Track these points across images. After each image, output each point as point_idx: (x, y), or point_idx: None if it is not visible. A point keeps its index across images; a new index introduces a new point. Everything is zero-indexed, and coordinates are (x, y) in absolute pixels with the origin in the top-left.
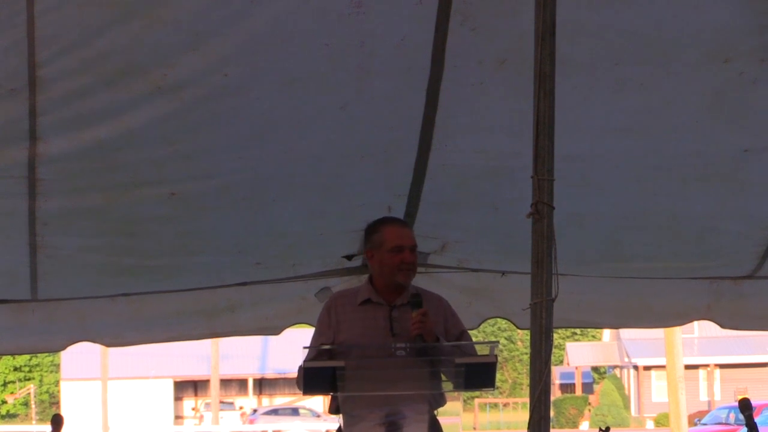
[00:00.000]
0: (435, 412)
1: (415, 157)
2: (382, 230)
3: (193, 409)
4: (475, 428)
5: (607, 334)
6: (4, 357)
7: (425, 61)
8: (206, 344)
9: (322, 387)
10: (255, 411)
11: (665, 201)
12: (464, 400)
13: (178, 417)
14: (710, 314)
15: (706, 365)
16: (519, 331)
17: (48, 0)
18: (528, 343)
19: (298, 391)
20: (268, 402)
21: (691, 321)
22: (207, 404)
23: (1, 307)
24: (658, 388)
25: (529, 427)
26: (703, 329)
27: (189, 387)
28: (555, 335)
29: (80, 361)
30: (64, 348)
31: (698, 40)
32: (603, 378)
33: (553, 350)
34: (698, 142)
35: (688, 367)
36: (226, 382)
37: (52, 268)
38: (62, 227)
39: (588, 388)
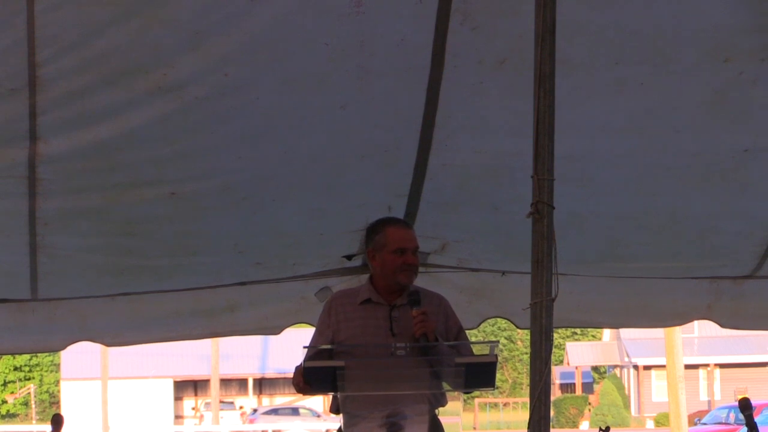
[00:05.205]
0: (436, 411)
1: (415, 157)
2: (385, 231)
3: (193, 408)
4: (475, 428)
5: (607, 333)
6: (4, 357)
7: (425, 61)
8: (206, 344)
9: (323, 387)
10: (255, 411)
11: (665, 201)
12: (464, 400)
13: (178, 417)
14: (710, 314)
15: (706, 365)
16: (519, 330)
17: (48, 0)
18: (528, 343)
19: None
20: (268, 402)
21: (691, 321)
22: (207, 404)
23: (1, 306)
24: (658, 387)
25: (529, 427)
26: (703, 329)
27: (189, 387)
28: (555, 335)
29: (80, 360)
30: (64, 347)
31: (698, 40)
32: (603, 378)
33: (553, 350)
34: (698, 142)
35: (688, 366)
36: (226, 382)
37: (52, 267)
38: (62, 227)
39: (588, 387)
